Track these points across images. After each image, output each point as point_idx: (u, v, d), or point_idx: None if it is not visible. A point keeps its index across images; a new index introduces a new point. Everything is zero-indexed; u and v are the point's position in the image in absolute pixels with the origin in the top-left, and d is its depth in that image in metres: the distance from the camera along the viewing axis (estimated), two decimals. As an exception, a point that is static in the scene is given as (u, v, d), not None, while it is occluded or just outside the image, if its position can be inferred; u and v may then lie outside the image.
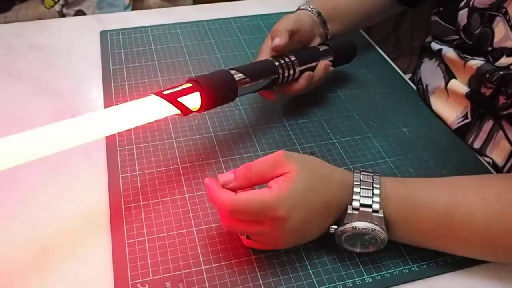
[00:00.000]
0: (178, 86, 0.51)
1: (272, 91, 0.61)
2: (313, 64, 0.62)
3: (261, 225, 0.42)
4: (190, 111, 0.50)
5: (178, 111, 0.49)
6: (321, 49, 0.64)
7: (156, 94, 0.49)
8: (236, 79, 0.54)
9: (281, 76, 0.59)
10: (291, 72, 0.59)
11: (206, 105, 0.52)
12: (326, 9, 0.66)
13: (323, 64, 0.62)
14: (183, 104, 0.49)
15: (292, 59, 0.59)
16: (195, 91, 0.51)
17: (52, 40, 0.77)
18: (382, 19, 0.77)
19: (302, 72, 0.60)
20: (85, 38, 0.78)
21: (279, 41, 0.57)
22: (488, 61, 0.57)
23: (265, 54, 0.60)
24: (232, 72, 0.54)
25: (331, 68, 0.63)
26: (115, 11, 1.47)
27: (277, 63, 0.58)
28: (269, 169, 0.43)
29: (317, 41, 0.65)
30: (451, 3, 0.62)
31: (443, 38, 0.65)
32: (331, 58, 0.65)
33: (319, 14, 0.65)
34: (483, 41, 0.57)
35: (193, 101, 0.51)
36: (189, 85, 0.51)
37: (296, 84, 0.61)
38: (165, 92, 0.49)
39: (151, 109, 0.48)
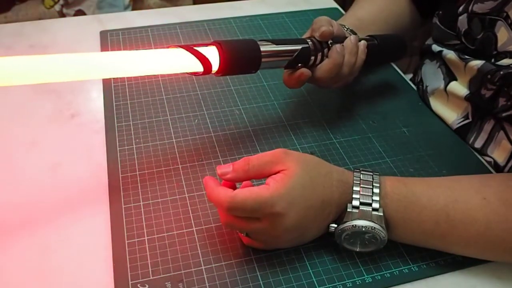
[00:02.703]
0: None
1: (299, 73, 0.55)
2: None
3: (259, 222, 0.42)
4: (209, 64, 0.48)
5: (198, 63, 0.47)
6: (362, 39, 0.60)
7: (174, 46, 0.48)
8: (262, 48, 0.52)
9: (311, 47, 0.54)
10: (324, 47, 0.55)
11: (225, 64, 0.49)
12: (350, 21, 0.65)
13: (353, 38, 0.56)
14: (201, 53, 0.47)
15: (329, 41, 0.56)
16: (213, 45, 0.49)
17: (52, 40, 0.77)
18: (411, 31, 0.74)
19: None
20: (85, 38, 0.78)
21: (326, 28, 0.54)
22: (489, 61, 0.57)
23: None
24: (260, 42, 0.52)
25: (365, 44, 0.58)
26: (115, 11, 1.47)
27: (310, 44, 0.54)
28: (268, 164, 0.43)
29: None
30: (449, 7, 0.62)
31: (444, 42, 0.65)
32: (374, 51, 0.61)
33: (343, 26, 0.62)
34: (487, 46, 0.57)
35: (212, 59, 0.49)
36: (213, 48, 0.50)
37: (325, 62, 0.55)
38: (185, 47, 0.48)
39: (170, 58, 0.47)
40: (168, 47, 0.48)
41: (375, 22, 0.68)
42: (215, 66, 0.49)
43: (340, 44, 0.56)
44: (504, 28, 0.54)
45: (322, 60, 0.56)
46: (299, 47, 0.54)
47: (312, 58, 0.55)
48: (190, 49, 0.48)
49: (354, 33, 0.63)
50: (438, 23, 0.65)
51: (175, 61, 0.48)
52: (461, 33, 0.60)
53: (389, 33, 0.68)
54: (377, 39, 0.62)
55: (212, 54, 0.49)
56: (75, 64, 0.43)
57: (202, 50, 0.48)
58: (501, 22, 0.55)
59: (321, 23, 0.55)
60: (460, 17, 0.59)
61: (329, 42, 0.56)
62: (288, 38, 0.57)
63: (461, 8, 0.59)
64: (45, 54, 0.42)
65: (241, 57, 0.51)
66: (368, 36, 0.63)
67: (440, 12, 0.65)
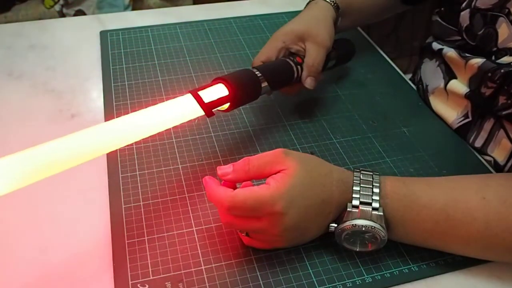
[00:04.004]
0: (211, 85, 0.51)
1: (290, 88, 0.62)
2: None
3: (259, 221, 0.42)
4: (214, 114, 0.51)
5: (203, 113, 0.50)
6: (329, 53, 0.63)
7: (195, 97, 0.49)
8: (261, 84, 0.55)
9: (294, 79, 0.59)
10: (300, 74, 0.60)
11: (231, 110, 0.53)
12: (342, 3, 0.65)
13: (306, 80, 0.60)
14: (213, 112, 0.50)
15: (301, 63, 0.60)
16: (228, 102, 0.51)
17: (52, 40, 0.77)
18: (384, 18, 0.77)
19: None
20: (85, 38, 0.78)
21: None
22: (489, 59, 0.57)
23: (279, 47, 0.61)
24: (259, 75, 0.55)
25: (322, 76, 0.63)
26: (115, 11, 1.47)
27: (295, 72, 0.59)
28: (268, 164, 0.43)
29: None
30: (452, 3, 0.62)
31: (445, 38, 0.65)
32: (334, 61, 0.65)
33: (338, 8, 0.64)
34: (487, 42, 0.57)
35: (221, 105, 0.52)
36: (223, 89, 0.51)
37: (291, 89, 0.62)
38: (204, 98, 0.49)
39: (183, 110, 0.48)
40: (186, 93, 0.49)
41: (361, 10, 0.70)
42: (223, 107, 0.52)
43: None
44: (505, 25, 0.54)
45: (300, 70, 0.60)
46: (286, 82, 0.59)
47: (293, 80, 0.60)
48: (206, 108, 0.49)
49: (338, 8, 0.64)
50: (439, 19, 0.65)
51: (186, 113, 0.48)
52: (462, 29, 0.60)
53: (369, 18, 0.74)
54: (336, 51, 0.65)
55: (219, 92, 0.51)
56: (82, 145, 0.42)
57: (215, 109, 0.50)
58: (503, 19, 0.55)
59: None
60: (462, 13, 0.59)
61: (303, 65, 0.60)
62: (276, 64, 0.60)
63: (464, 4, 0.59)
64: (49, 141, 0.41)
65: (247, 98, 0.54)
66: None
67: (442, 9, 0.65)
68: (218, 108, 0.51)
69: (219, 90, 0.51)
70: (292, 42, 0.61)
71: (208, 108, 0.49)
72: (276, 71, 0.58)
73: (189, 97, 0.49)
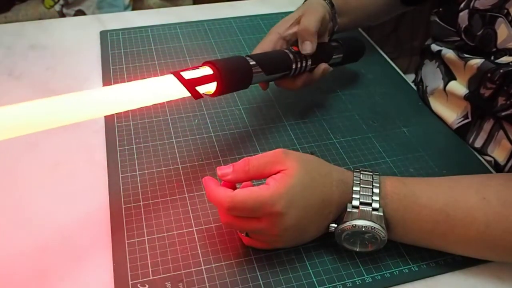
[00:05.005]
0: (196, 67, 0.50)
1: (291, 82, 0.61)
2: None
3: (259, 221, 0.42)
4: (202, 97, 0.49)
5: (189, 94, 0.48)
6: (333, 46, 0.63)
7: (176, 76, 0.47)
8: (253, 70, 0.54)
9: (292, 72, 0.58)
10: (302, 69, 0.59)
11: (219, 93, 0.51)
12: (338, 1, 0.66)
13: (321, 68, 0.61)
14: (199, 92, 0.49)
15: (308, 58, 0.59)
16: (214, 81, 0.50)
17: (52, 40, 0.77)
18: (385, 19, 0.77)
19: (311, 68, 0.60)
20: (85, 38, 0.78)
21: (310, 48, 0.57)
22: (488, 59, 0.57)
23: (274, 39, 0.60)
24: (251, 62, 0.54)
25: (330, 69, 0.63)
26: (115, 11, 1.46)
27: (292, 59, 0.58)
28: (268, 164, 0.43)
29: (326, 36, 0.64)
30: (451, 4, 0.62)
31: (444, 39, 0.65)
32: (341, 56, 0.64)
33: (332, 6, 0.64)
34: (486, 43, 0.57)
35: (208, 87, 0.50)
36: (208, 70, 0.50)
37: (292, 82, 0.60)
38: (186, 77, 0.47)
39: (166, 89, 0.47)
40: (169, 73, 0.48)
41: (358, 8, 0.69)
42: (211, 90, 0.50)
43: (308, 77, 0.60)
44: (504, 25, 0.55)
45: (296, 73, 0.59)
46: (281, 73, 0.57)
47: (291, 74, 0.58)
48: (189, 86, 0.48)
49: (335, 15, 0.64)
50: (437, 20, 0.65)
51: (170, 92, 0.47)
52: (461, 30, 0.60)
53: (369, 18, 0.73)
54: (342, 47, 0.64)
55: (210, 85, 0.49)
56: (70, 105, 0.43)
57: (199, 88, 0.49)
58: (502, 19, 0.55)
59: (307, 36, 0.58)
60: (461, 14, 0.59)
61: (308, 59, 0.59)
62: (273, 55, 0.59)
63: (462, 5, 0.59)
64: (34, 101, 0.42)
65: (237, 82, 0.53)
66: (335, 41, 0.65)
67: (441, 9, 0.65)
68: (206, 92, 0.50)
69: (204, 71, 0.50)
70: (286, 30, 0.60)
71: (191, 85, 0.48)
72: (269, 56, 0.57)
73: (170, 76, 0.47)
